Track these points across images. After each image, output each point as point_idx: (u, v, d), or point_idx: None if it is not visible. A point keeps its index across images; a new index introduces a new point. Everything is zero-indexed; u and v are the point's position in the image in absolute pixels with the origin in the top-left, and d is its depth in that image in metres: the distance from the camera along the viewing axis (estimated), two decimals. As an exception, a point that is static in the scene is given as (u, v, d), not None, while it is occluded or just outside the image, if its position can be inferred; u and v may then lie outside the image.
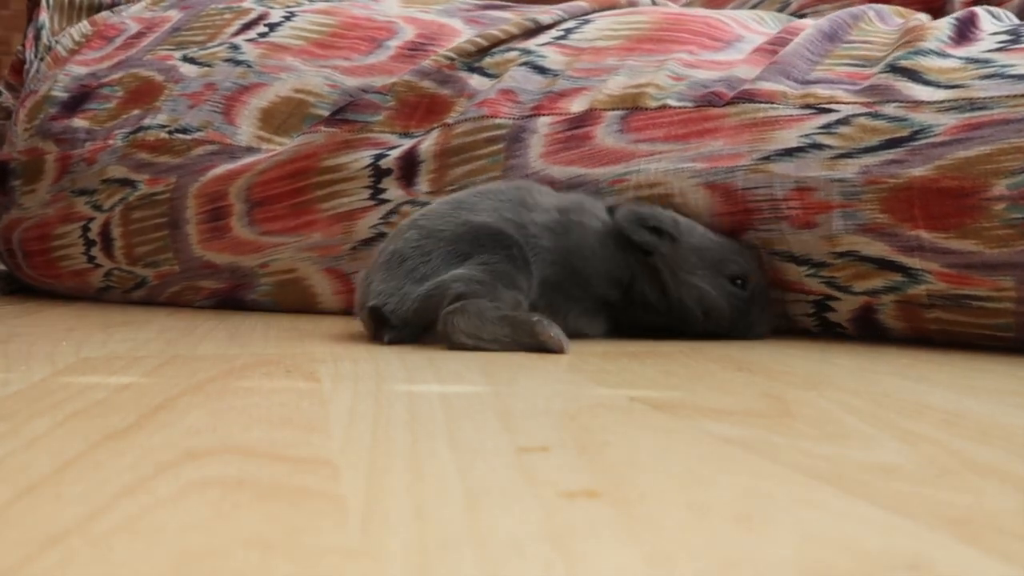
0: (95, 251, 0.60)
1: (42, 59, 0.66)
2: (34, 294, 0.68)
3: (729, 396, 0.27)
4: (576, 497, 0.16)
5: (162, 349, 0.36)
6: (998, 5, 0.56)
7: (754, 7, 0.65)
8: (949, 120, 0.41)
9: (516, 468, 0.18)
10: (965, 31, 0.45)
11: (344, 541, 0.14)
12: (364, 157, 0.53)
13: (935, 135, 0.41)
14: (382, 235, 0.51)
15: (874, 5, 0.51)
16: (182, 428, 0.21)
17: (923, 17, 0.49)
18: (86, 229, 0.60)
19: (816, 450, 0.20)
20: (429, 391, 0.27)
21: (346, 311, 0.55)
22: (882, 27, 0.48)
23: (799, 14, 0.62)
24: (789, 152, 0.43)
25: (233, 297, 0.57)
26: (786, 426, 0.22)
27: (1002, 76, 0.41)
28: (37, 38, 0.68)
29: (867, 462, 0.19)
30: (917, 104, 0.42)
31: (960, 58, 0.43)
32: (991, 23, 0.46)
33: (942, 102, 0.41)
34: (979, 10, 0.47)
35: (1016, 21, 0.47)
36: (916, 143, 0.41)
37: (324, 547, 0.13)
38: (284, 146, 0.56)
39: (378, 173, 0.52)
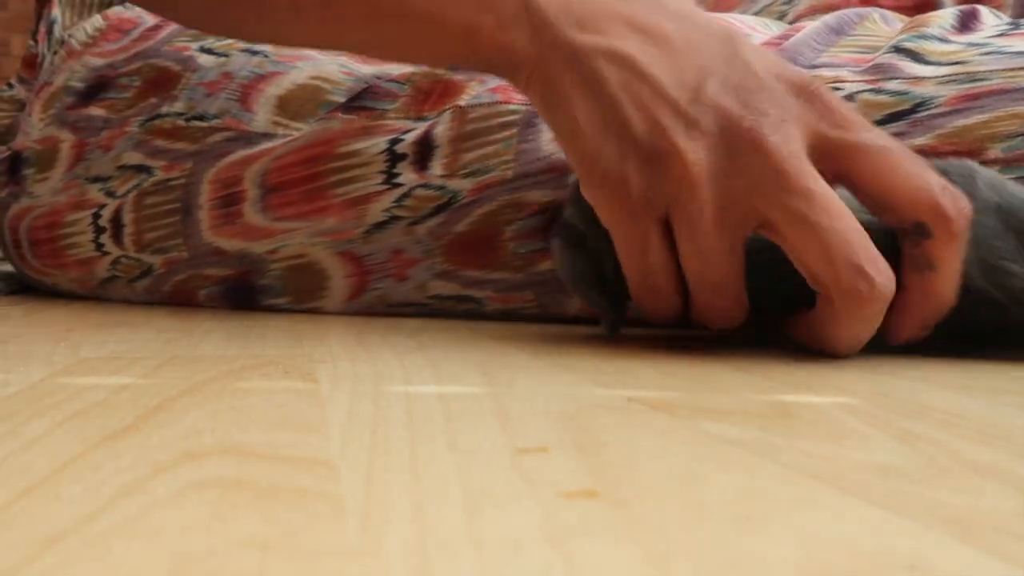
0: (104, 238, 0.60)
1: (55, 52, 0.66)
2: (33, 294, 0.68)
3: (727, 396, 0.27)
4: (575, 497, 0.16)
5: (161, 350, 0.36)
6: (996, 7, 0.57)
7: (756, 14, 0.65)
8: (949, 92, 0.42)
9: (515, 469, 0.18)
10: (968, 22, 0.47)
11: (343, 542, 0.14)
12: (380, 143, 0.53)
13: (935, 107, 0.42)
14: (395, 218, 0.52)
15: (878, 8, 0.52)
16: (181, 429, 0.21)
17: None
18: (97, 216, 0.60)
19: (815, 450, 0.20)
20: (427, 392, 0.27)
21: (352, 297, 0.54)
22: (885, 28, 0.49)
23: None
24: None
25: (242, 284, 0.57)
26: (784, 426, 0.22)
27: (1001, 53, 0.42)
28: (49, 32, 0.68)
29: (866, 462, 0.19)
30: (919, 80, 0.43)
31: (961, 43, 0.44)
32: (992, 18, 0.47)
33: (943, 77, 0.43)
34: (981, 7, 0.48)
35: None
36: (917, 115, 0.42)
37: (323, 548, 0.13)
38: (301, 132, 0.56)
39: (393, 158, 0.52)
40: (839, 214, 0.32)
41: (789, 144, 0.32)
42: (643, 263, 0.36)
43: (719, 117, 0.33)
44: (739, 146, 0.33)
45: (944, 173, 0.34)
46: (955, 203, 0.33)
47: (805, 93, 0.34)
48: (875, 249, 0.32)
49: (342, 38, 0.43)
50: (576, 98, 0.35)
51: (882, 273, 0.32)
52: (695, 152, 0.33)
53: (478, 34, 0.37)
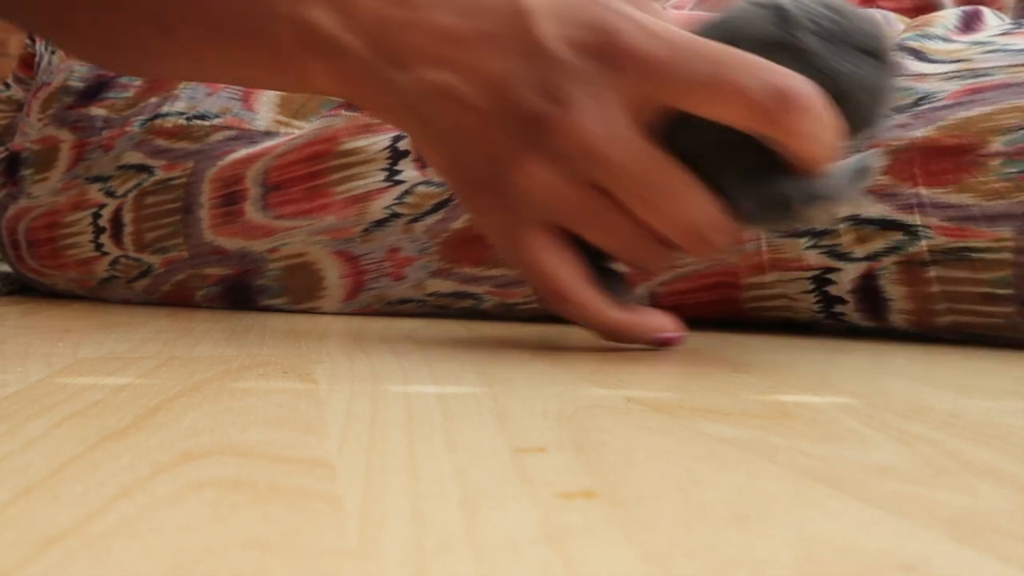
0: (104, 238, 0.60)
1: (53, 52, 0.66)
2: (31, 295, 0.68)
3: (726, 396, 0.27)
4: (573, 498, 0.16)
5: (159, 350, 0.36)
6: (998, 9, 0.57)
7: None
8: (952, 86, 0.43)
9: (513, 469, 0.18)
10: (971, 23, 0.47)
11: (341, 542, 0.14)
12: (382, 140, 0.53)
13: (938, 100, 0.42)
14: (395, 216, 0.52)
15: (879, 10, 0.52)
16: (179, 429, 0.21)
17: None
18: (97, 216, 0.60)
19: (813, 450, 0.20)
20: (426, 392, 0.27)
21: (349, 297, 0.54)
22: (887, 28, 0.50)
23: None
24: None
25: (241, 283, 0.57)
26: (783, 426, 0.22)
27: (1004, 50, 0.43)
28: None
29: (864, 462, 0.19)
30: (922, 76, 0.44)
31: (964, 42, 0.45)
32: (995, 19, 0.48)
33: (946, 73, 0.43)
34: (984, 9, 0.49)
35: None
36: (919, 108, 0.43)
37: (321, 548, 0.13)
38: (303, 129, 0.56)
39: (396, 155, 0.52)
40: (680, 189, 0.32)
41: (610, 127, 0.31)
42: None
43: (532, 124, 0.32)
44: (565, 149, 0.32)
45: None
46: (783, 101, 0.29)
47: (608, 55, 0.31)
48: (723, 217, 0.33)
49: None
50: (425, 147, 0.36)
51: (726, 240, 0.34)
52: (529, 177, 0.33)
53: (312, 78, 0.35)
